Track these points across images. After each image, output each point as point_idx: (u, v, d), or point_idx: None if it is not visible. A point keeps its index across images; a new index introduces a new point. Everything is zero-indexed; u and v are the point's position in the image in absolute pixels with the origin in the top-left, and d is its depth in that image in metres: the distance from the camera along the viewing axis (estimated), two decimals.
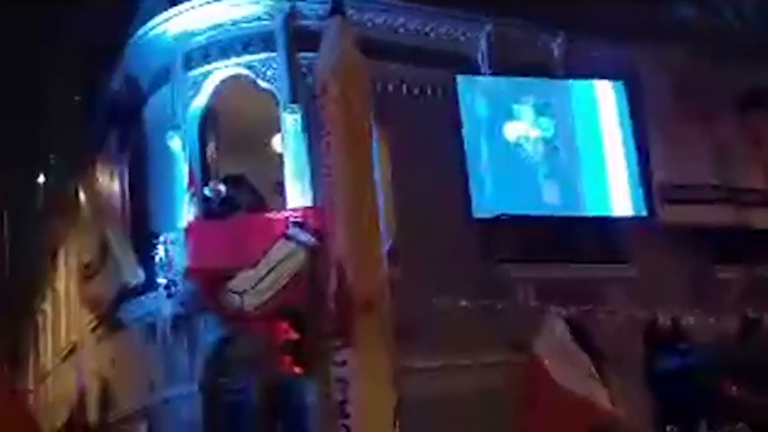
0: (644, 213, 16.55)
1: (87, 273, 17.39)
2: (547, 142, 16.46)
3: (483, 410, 13.66)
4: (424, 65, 15.84)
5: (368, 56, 12.41)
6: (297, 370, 13.25)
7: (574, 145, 16.62)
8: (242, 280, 13.80)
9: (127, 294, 15.60)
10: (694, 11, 18.32)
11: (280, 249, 13.90)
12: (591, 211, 16.28)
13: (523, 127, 16.41)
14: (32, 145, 21.77)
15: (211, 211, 15.02)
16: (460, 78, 16.03)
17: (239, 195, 15.49)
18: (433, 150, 15.12)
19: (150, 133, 16.55)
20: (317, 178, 14.37)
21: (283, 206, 14.82)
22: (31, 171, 22.49)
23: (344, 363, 11.18)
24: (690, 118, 16.76)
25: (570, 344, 9.88)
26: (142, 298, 15.25)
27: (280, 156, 15.31)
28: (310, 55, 14.42)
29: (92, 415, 17.38)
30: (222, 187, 15.05)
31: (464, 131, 15.82)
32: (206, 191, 15.14)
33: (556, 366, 9.72)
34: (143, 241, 15.47)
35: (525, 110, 16.47)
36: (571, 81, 16.87)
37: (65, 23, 18.75)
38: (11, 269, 20.53)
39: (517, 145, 16.33)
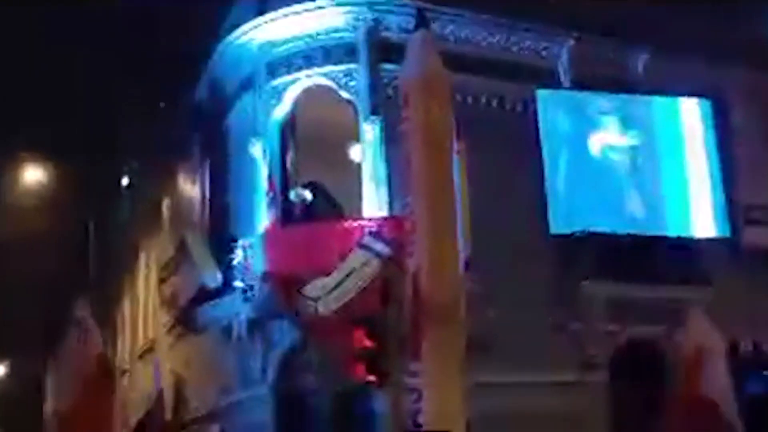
0: (726, 234, 16.25)
1: (166, 274, 17.76)
2: (630, 153, 16.29)
3: (553, 429, 13.53)
4: (505, 79, 15.82)
5: (450, 69, 12.43)
6: (370, 378, 13.26)
7: (656, 161, 16.42)
8: (318, 286, 13.92)
9: (205, 296, 15.86)
10: None
11: (356, 257, 13.99)
12: (672, 229, 16.04)
13: (606, 137, 16.27)
14: (117, 148, 22.30)
15: (291, 216, 15.23)
16: (540, 92, 15.99)
17: (318, 202, 15.65)
18: (512, 164, 15.08)
19: (232, 139, 16.89)
20: (394, 189, 14.51)
21: (360, 215, 14.94)
22: (115, 174, 23.02)
23: (417, 373, 11.17)
24: None
25: (719, 341, 9.63)
26: (219, 300, 15.50)
27: (359, 165, 15.45)
28: (391, 66, 14.59)
29: (167, 414, 17.68)
30: (308, 193, 15.21)
31: (544, 145, 15.78)
32: (292, 196, 15.33)
33: (704, 373, 9.45)
34: (222, 245, 15.74)
35: (608, 121, 16.33)
36: (654, 97, 16.65)
37: (152, 28, 19.17)
38: (97, 273, 21.03)
39: (599, 158, 16.18)
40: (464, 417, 10.95)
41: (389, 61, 14.81)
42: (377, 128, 15.16)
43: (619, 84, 16.46)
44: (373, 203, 14.95)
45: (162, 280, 18.25)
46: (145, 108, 19.87)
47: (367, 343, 13.41)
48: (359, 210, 15.08)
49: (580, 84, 16.28)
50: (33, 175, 23.61)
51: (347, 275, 13.85)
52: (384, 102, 15.01)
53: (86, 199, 22.70)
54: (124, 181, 22.82)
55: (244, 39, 16.28)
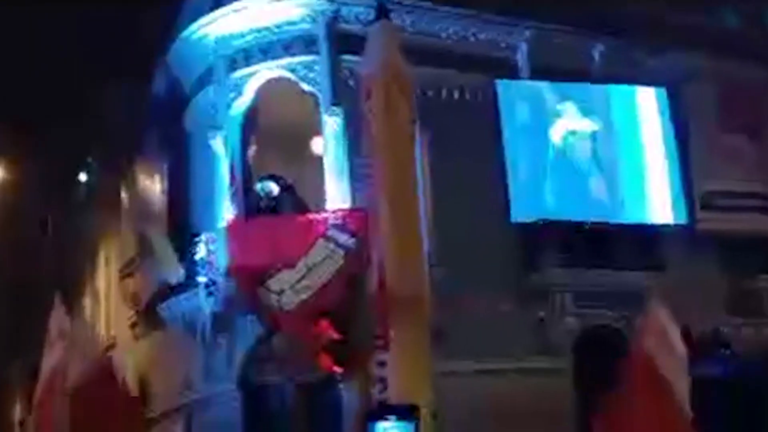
0: (683, 220, 16.52)
1: (127, 270, 17.61)
2: (589, 141, 16.49)
3: (519, 416, 13.66)
4: (464, 70, 15.92)
5: (409, 60, 12.49)
6: (336, 370, 13.32)
7: (615, 148, 16.63)
8: (281, 279, 13.92)
9: (167, 292, 15.77)
10: (741, 22, 18.23)
11: (320, 249, 14.00)
12: (630, 216, 16.26)
13: (564, 125, 16.42)
14: (74, 144, 22.02)
15: (253, 210, 15.16)
16: (499, 82, 16.09)
17: (281, 196, 15.60)
18: (473, 154, 15.17)
19: (192, 133, 16.78)
20: (357, 181, 14.53)
21: (323, 208, 14.95)
22: (72, 169, 22.75)
23: (384, 363, 11.24)
24: (734, 129, 16.71)
25: (674, 333, 9.71)
26: (182, 296, 15.41)
27: (321, 158, 15.44)
28: (351, 58, 14.60)
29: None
30: (274, 186, 15.17)
31: (504, 135, 15.89)
32: (257, 189, 15.26)
33: (661, 354, 9.53)
34: (184, 240, 15.64)
35: (567, 110, 16.48)
36: (611, 86, 16.84)
37: (111, 22, 19.00)
38: (55, 268, 20.78)
39: (559, 146, 16.34)
40: (431, 406, 11.05)
41: (349, 52, 14.81)
42: (339, 120, 15.16)
43: (577, 74, 16.62)
44: (336, 195, 14.96)
45: (123, 277, 18.08)
46: (102, 101, 19.65)
47: (333, 334, 13.49)
48: (322, 203, 15.08)
49: (539, 74, 16.41)
50: None
51: (311, 268, 13.86)
52: (345, 94, 15.01)
53: (43, 196, 22.43)
54: (82, 177, 22.54)
55: (201, 33, 16.14)
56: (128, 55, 18.67)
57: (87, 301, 22.48)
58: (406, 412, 9.90)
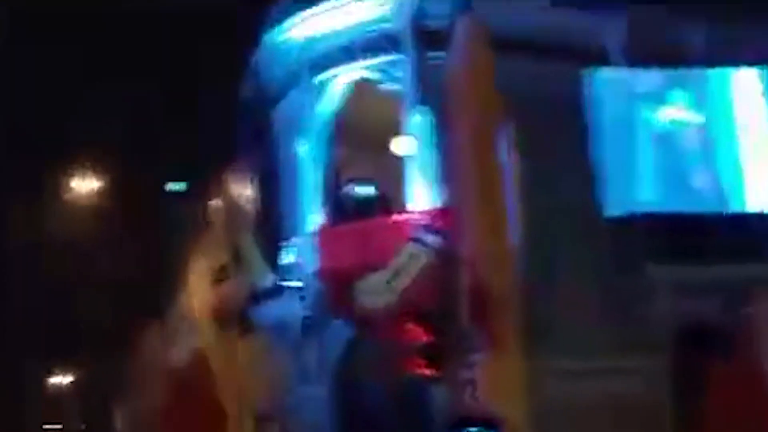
0: None
1: (218, 277, 17.73)
2: (689, 128, 15.85)
3: (617, 416, 13.22)
4: (553, 60, 15.42)
5: (496, 53, 12.19)
6: (428, 372, 13.11)
7: (713, 135, 15.93)
8: (371, 282, 13.78)
9: (258, 297, 15.81)
10: None
11: (408, 251, 13.80)
12: (732, 207, 15.59)
13: (659, 114, 15.84)
14: (166, 151, 22.47)
15: (341, 213, 15.11)
16: (589, 72, 15.53)
17: (368, 198, 15.52)
18: (563, 148, 14.71)
19: (279, 138, 16.84)
20: (443, 180, 14.28)
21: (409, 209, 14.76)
22: (162, 179, 23.21)
23: (474, 365, 11.00)
24: None
25: None
26: (273, 301, 15.44)
27: (408, 158, 15.26)
28: (437, 54, 14.34)
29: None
30: (361, 190, 15.12)
31: (595, 127, 15.39)
32: (346, 192, 15.22)
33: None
34: (274, 245, 15.69)
35: (661, 97, 15.88)
36: (710, 70, 16.10)
37: (193, 30, 19.27)
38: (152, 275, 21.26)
39: (655, 136, 15.73)
40: (525, 407, 10.76)
41: (434, 49, 14.55)
42: (425, 119, 14.93)
43: (675, 58, 15.88)
44: (423, 196, 14.74)
45: (215, 283, 18.23)
46: (189, 111, 19.97)
47: (424, 337, 13.28)
48: (408, 203, 14.89)
49: (633, 61, 15.81)
50: (86, 179, 23.93)
51: (400, 270, 13.67)
52: (430, 92, 14.76)
53: (136, 204, 22.95)
54: (173, 186, 22.95)
55: (285, 36, 16.20)
56: (221, 60, 18.88)
57: (180, 308, 22.82)
58: (489, 423, 9.59)
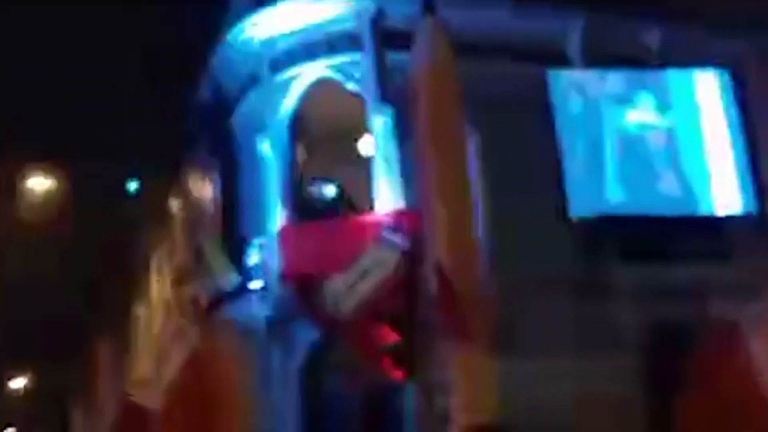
0: (751, 210, 15.89)
1: (181, 278, 17.58)
2: (651, 129, 15.91)
3: (585, 415, 13.33)
4: (515, 62, 15.48)
5: (458, 55, 12.22)
6: (397, 374, 13.11)
7: (675, 137, 16.00)
8: (336, 283, 13.72)
9: (222, 299, 15.69)
10: None
11: (373, 252, 13.79)
12: (695, 208, 15.69)
13: (620, 115, 15.88)
14: (123, 151, 22.12)
15: (304, 214, 15.03)
16: (551, 73, 15.61)
17: (331, 198, 15.47)
18: (526, 149, 14.74)
19: (240, 138, 16.68)
20: (408, 180, 14.28)
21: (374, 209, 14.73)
22: (121, 178, 22.86)
23: (445, 366, 11.05)
24: None
25: None
26: (237, 303, 15.32)
27: (370, 158, 15.22)
28: (398, 55, 14.32)
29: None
30: (325, 189, 15.04)
31: (558, 128, 15.46)
32: (309, 192, 15.13)
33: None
34: (236, 246, 15.56)
35: (623, 98, 15.94)
36: (670, 71, 16.21)
37: (153, 28, 19.01)
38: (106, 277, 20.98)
39: (620, 138, 15.82)
40: (496, 407, 10.82)
41: (395, 49, 14.53)
42: (387, 119, 14.91)
43: (633, 60, 16.07)
44: (387, 196, 14.72)
45: (178, 284, 18.08)
46: (149, 110, 19.70)
47: (392, 338, 13.28)
48: (372, 204, 14.86)
49: (593, 63, 15.94)
50: (38, 180, 23.50)
51: (366, 270, 13.65)
52: (392, 92, 14.74)
53: (92, 204, 22.58)
54: (131, 185, 22.63)
55: (244, 36, 16.03)
56: (174, 60, 18.64)
57: (142, 310, 22.61)
58: None
